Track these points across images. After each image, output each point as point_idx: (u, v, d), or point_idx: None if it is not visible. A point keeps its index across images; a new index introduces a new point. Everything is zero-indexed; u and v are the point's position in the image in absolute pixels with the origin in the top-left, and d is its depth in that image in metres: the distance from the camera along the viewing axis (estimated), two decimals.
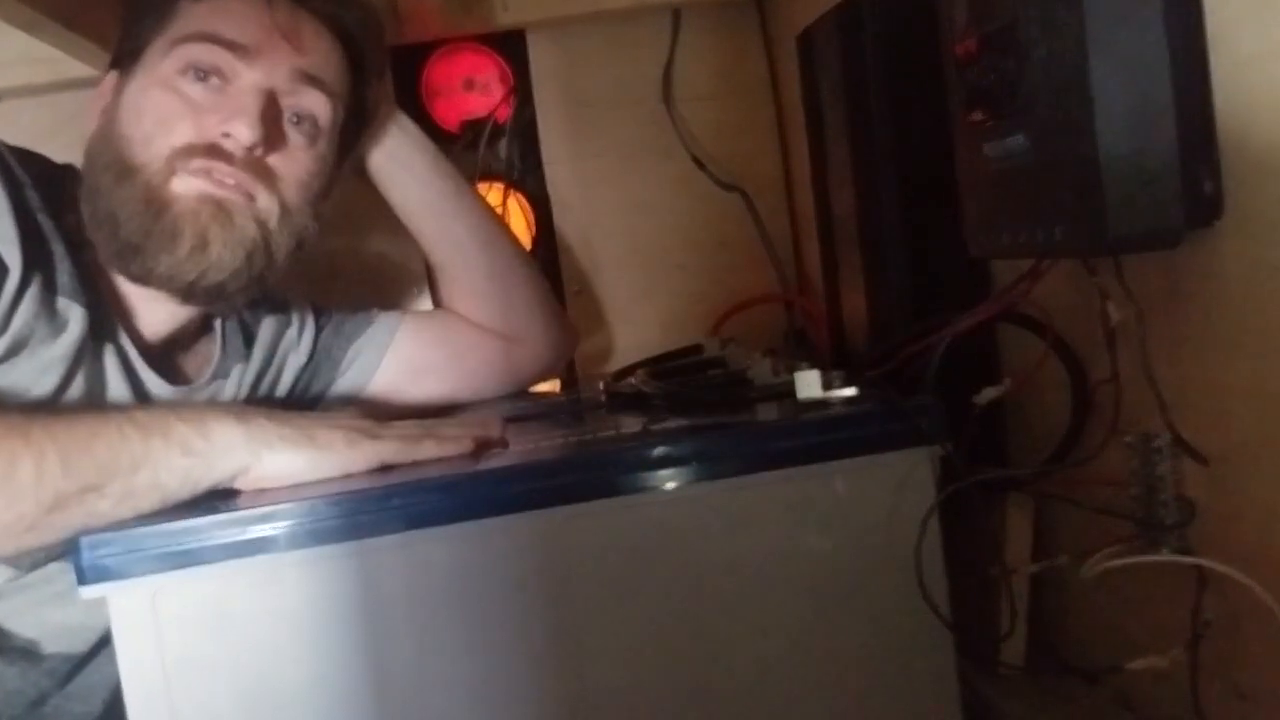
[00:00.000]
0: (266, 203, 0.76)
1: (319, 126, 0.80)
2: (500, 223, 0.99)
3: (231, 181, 0.74)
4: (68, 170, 0.79)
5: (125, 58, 0.79)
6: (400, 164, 0.93)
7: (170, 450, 0.60)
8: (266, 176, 0.76)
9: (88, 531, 0.56)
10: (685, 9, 1.17)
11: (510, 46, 1.19)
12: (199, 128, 0.74)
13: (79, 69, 0.98)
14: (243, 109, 0.74)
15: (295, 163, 0.78)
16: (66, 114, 0.84)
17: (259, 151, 0.75)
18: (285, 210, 0.78)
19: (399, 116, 0.93)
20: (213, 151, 0.74)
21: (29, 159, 0.75)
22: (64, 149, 0.80)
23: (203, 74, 0.75)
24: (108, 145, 0.75)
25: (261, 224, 0.76)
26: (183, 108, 0.74)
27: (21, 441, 0.57)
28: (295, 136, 0.78)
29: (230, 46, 0.75)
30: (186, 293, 0.76)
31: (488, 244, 0.96)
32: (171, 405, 0.73)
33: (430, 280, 1.20)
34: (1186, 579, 0.54)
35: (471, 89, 1.20)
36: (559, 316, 1.02)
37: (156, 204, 0.73)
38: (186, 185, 0.74)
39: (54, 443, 0.58)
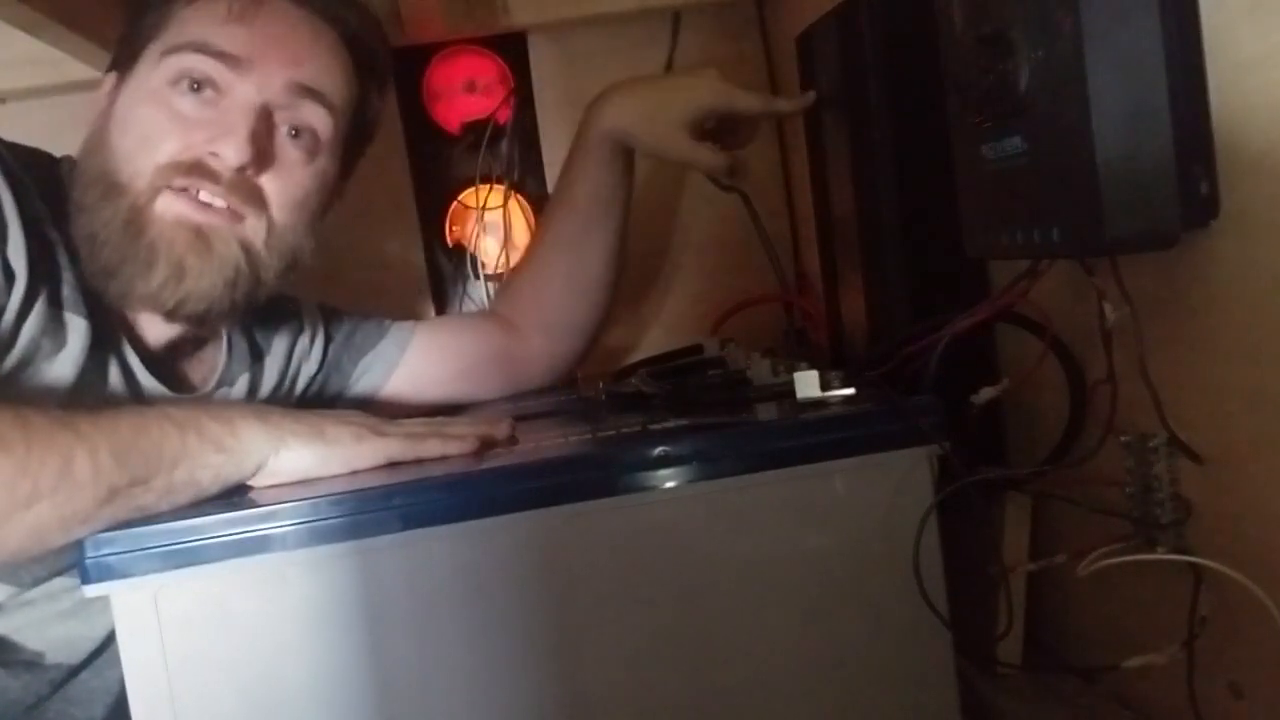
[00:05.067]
0: (254, 224, 0.74)
1: (319, 140, 0.77)
2: (609, 259, 1.00)
3: (220, 204, 0.72)
4: (67, 166, 0.77)
5: (123, 60, 0.77)
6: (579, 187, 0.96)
7: (204, 447, 0.61)
8: (255, 197, 0.74)
9: None
10: (685, 11, 1.17)
11: (511, 48, 1.19)
12: (186, 144, 0.72)
13: (81, 70, 0.99)
14: (232, 127, 0.72)
15: (290, 180, 0.76)
16: (69, 116, 0.84)
17: (249, 172, 0.73)
18: (274, 231, 0.75)
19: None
20: (198, 170, 0.72)
21: (31, 159, 0.74)
22: (66, 150, 0.79)
23: (196, 85, 0.73)
24: (96, 156, 0.74)
25: (246, 247, 0.74)
26: (170, 123, 0.72)
27: (73, 436, 0.57)
28: (292, 151, 0.76)
29: (222, 57, 0.73)
30: (168, 316, 0.75)
31: (585, 269, 0.98)
32: (199, 403, 0.73)
33: (432, 282, 1.21)
34: (1183, 577, 0.54)
35: (472, 91, 1.20)
36: (590, 340, 1.03)
37: (135, 226, 0.71)
38: (167, 207, 0.71)
39: (104, 437, 0.58)
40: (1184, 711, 0.54)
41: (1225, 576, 0.50)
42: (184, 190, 0.72)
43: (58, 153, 0.79)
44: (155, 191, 0.72)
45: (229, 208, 0.73)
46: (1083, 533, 0.63)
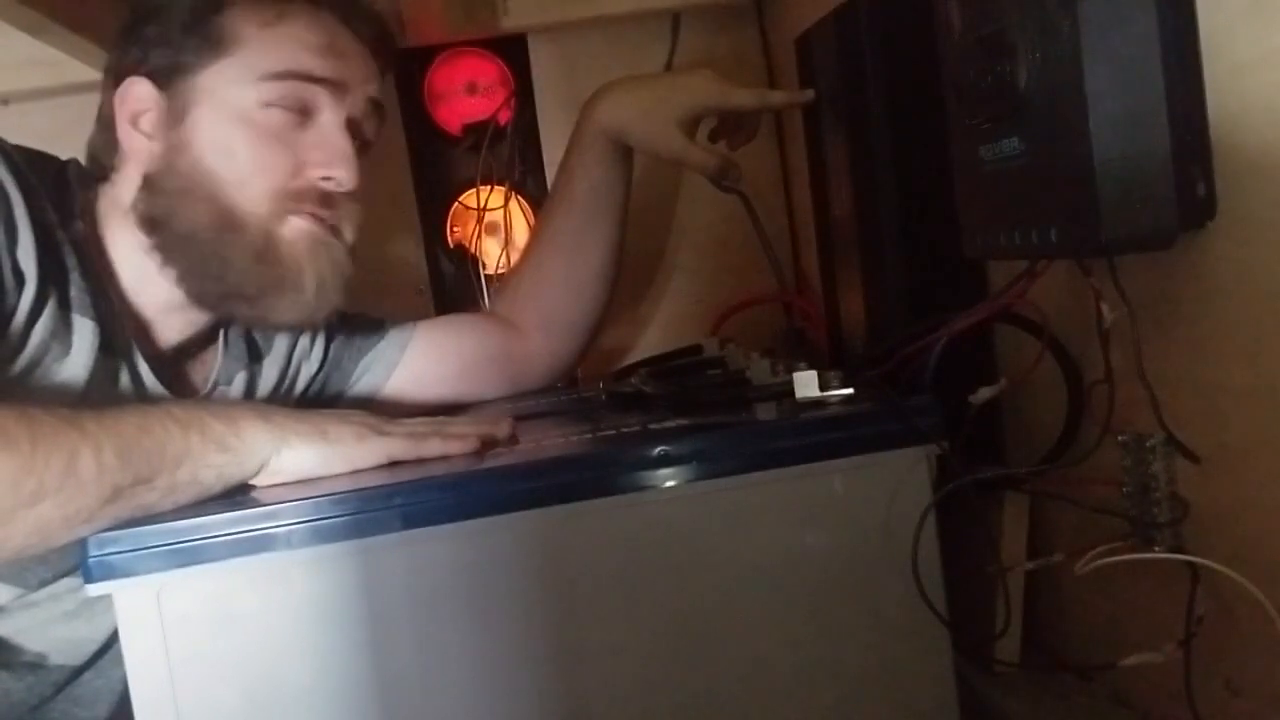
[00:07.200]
0: (350, 234, 0.79)
1: (369, 149, 0.82)
2: (607, 260, 1.00)
3: (333, 222, 0.77)
4: (71, 168, 0.77)
5: (165, 73, 0.76)
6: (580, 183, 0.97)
7: (207, 447, 0.61)
8: (351, 210, 0.79)
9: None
10: (685, 13, 1.18)
11: (511, 50, 1.20)
12: (297, 169, 0.75)
13: (83, 72, 0.99)
14: (342, 153, 0.76)
15: (359, 191, 0.80)
16: (71, 117, 0.84)
17: (348, 190, 0.78)
18: (356, 235, 0.81)
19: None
20: (320, 198, 0.76)
21: (39, 161, 0.74)
22: (69, 152, 0.79)
23: (287, 105, 0.76)
24: (184, 177, 0.75)
25: (350, 254, 0.79)
26: (276, 145, 0.75)
27: (78, 434, 0.57)
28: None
29: (325, 83, 0.76)
30: (281, 327, 0.81)
31: (578, 269, 0.99)
32: (202, 403, 0.73)
33: (433, 283, 1.21)
34: (1180, 576, 0.54)
35: (473, 92, 1.21)
36: (589, 339, 1.03)
37: (269, 256, 0.75)
38: (293, 229, 0.75)
39: (109, 436, 0.58)
40: (1181, 709, 0.55)
41: (1222, 575, 0.50)
42: (307, 215, 0.76)
43: (60, 154, 0.79)
44: (280, 217, 0.75)
45: (335, 223, 0.78)
46: (1080, 532, 0.63)
